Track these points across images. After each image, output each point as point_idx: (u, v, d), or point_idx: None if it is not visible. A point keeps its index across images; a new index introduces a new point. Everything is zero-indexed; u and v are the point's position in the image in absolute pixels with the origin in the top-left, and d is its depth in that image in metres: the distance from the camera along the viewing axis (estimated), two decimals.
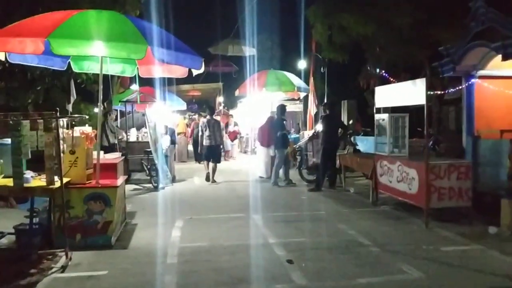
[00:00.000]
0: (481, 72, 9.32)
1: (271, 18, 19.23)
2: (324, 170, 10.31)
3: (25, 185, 5.06)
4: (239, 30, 16.67)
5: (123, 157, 7.04)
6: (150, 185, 10.82)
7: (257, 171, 12.70)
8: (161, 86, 14.00)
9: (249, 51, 17.19)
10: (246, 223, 7.14)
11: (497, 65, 8.38)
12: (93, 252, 5.58)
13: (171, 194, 10.06)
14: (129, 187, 10.74)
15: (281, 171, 11.16)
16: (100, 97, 6.00)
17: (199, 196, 9.82)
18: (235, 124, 18.11)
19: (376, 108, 8.56)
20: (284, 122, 11.35)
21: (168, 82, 16.77)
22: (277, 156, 11.03)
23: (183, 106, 17.99)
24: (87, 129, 6.43)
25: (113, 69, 7.14)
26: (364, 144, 13.89)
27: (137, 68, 7.19)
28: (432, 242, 5.89)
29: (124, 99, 12.30)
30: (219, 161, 11.79)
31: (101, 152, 6.82)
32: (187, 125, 19.78)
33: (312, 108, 16.41)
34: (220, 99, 27.89)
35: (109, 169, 6.27)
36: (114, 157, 6.71)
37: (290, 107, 19.87)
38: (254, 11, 16.13)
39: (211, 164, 11.55)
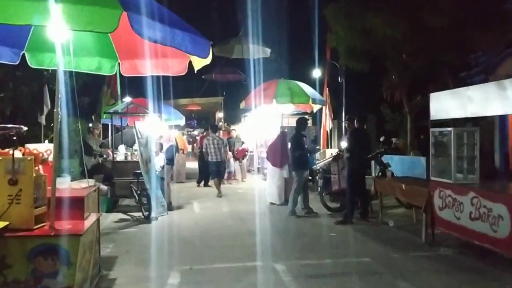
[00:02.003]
0: None
1: (280, 22, 17.29)
2: (352, 197, 8.36)
3: None
4: (247, 30, 14.53)
5: (96, 186, 5.07)
6: (140, 213, 8.84)
7: (268, 196, 10.71)
8: (156, 98, 12.12)
9: (259, 52, 14.85)
10: (268, 278, 5.12)
11: None
12: None
13: (165, 227, 8.05)
14: (114, 217, 8.86)
15: (299, 198, 9.19)
16: (58, 101, 4.03)
17: (200, 230, 7.80)
18: (242, 142, 16.05)
19: (431, 121, 6.63)
20: (304, 138, 9.39)
21: (165, 96, 14.90)
22: (296, 180, 9.06)
23: (182, 120, 16.07)
24: (43, 146, 4.49)
25: (85, 64, 5.21)
26: None
27: (119, 64, 5.26)
28: None
29: (111, 110, 10.33)
30: (222, 177, 12.49)
31: (66, 179, 4.86)
32: (189, 142, 17.72)
33: (327, 123, 14.48)
34: (220, 114, 26.04)
35: (73, 206, 4.28)
36: (81, 186, 4.74)
37: None
38: (260, 12, 14.14)
39: (216, 180, 12.08)
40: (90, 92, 17.43)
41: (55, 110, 3.97)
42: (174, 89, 17.72)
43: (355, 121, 8.69)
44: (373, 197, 8.81)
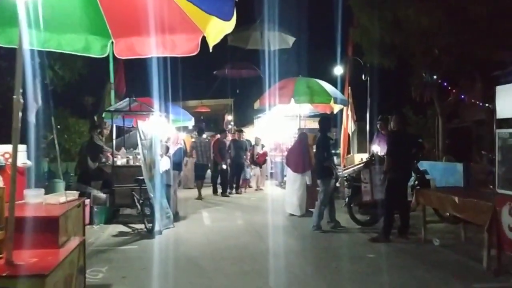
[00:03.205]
0: None
1: (298, 16, 15.92)
2: (391, 210, 7.14)
3: None
4: (264, 15, 12.98)
5: (81, 200, 3.92)
6: (143, 226, 7.72)
7: (287, 206, 9.52)
8: (163, 97, 11.00)
9: (278, 41, 13.18)
10: None
11: None
12: None
13: (171, 244, 6.88)
14: (113, 230, 7.81)
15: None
16: (18, 89, 2.91)
17: (211, 249, 6.60)
18: (263, 146, 14.75)
19: (498, 120, 5.43)
20: (331, 141, 8.19)
21: (172, 97, 13.78)
22: (322, 190, 7.87)
23: (191, 122, 14.91)
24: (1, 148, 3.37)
25: (69, 43, 4.05)
26: None
27: (112, 43, 4.11)
28: None
29: (111, 108, 9.20)
30: (203, 178, 12.41)
31: (39, 192, 3.72)
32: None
33: (349, 126, 13.25)
34: (229, 117, 24.92)
35: (42, 229, 3.15)
36: (59, 201, 3.59)
37: (313, 124, 16.80)
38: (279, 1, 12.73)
39: (199, 182, 12.27)
40: (95, 91, 16.41)
41: (14, 97, 2.85)
42: (182, 90, 16.57)
43: (392, 121, 7.45)
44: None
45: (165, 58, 10.58)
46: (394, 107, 15.92)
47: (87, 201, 8.07)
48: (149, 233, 7.38)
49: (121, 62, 12.97)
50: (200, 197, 11.93)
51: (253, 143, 14.56)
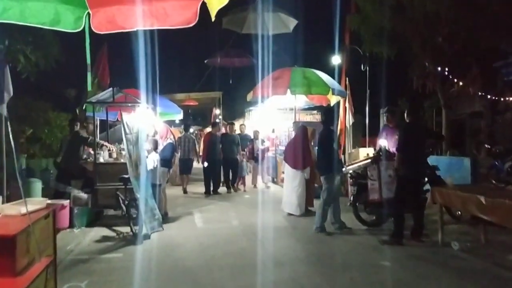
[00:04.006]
0: None
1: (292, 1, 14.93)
2: (401, 210, 6.49)
3: None
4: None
5: (50, 209, 3.14)
6: (128, 229, 6.96)
7: (285, 205, 8.82)
8: (150, 89, 10.20)
9: (278, 24, 12.06)
10: None
11: None
12: None
13: (160, 251, 6.11)
14: (96, 234, 7.09)
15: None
16: None
17: (206, 257, 5.85)
18: (262, 141, 13.80)
19: None
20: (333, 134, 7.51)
21: (160, 90, 12.94)
22: (325, 188, 7.17)
23: (180, 115, 14.10)
24: None
25: (34, 14, 3.24)
26: None
27: (89, 14, 3.32)
28: None
29: (92, 99, 8.36)
30: (189, 173, 12.59)
31: None
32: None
33: (347, 118, 12.55)
34: (216, 111, 24.13)
35: None
36: (20, 212, 2.80)
37: (307, 118, 16.14)
38: None
39: (184, 176, 12.47)
40: (78, 82, 15.53)
41: None
42: (169, 83, 15.69)
43: (406, 112, 6.76)
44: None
45: (152, 45, 9.77)
46: (391, 99, 15.35)
47: (66, 202, 7.32)
48: (135, 238, 6.62)
49: (104, 50, 12.07)
50: (184, 190, 12.08)
51: (251, 136, 13.72)
